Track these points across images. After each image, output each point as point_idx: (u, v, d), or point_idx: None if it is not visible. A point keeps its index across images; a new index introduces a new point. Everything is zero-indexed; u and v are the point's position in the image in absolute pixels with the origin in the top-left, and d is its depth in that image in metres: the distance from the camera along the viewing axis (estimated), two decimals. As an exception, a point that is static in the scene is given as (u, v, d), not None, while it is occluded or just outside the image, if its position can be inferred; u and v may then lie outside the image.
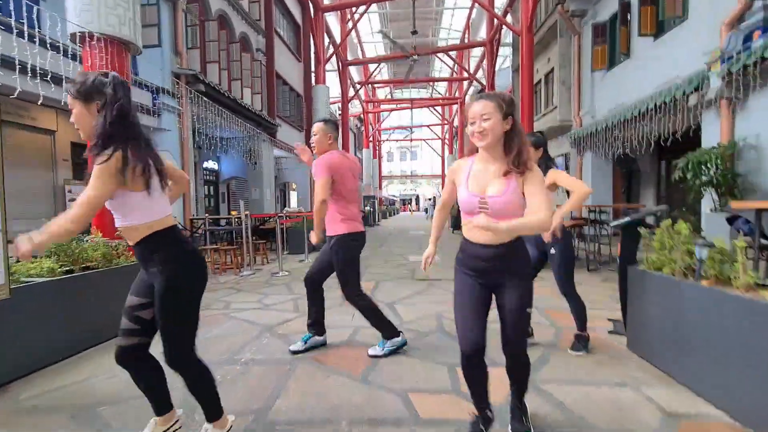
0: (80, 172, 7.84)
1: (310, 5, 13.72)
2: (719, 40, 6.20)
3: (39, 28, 4.71)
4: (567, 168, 12.41)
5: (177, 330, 1.55)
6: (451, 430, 1.76)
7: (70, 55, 4.93)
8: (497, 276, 1.56)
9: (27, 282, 2.53)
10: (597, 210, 7.44)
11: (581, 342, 2.66)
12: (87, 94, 1.43)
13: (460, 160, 1.64)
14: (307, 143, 3.10)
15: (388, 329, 2.70)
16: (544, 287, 4.00)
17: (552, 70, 12.78)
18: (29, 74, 4.17)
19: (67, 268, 2.86)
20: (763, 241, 2.59)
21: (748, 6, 5.85)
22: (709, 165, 5.75)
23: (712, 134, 6.38)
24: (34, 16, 4.09)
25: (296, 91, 17.08)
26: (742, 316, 1.86)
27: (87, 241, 3.19)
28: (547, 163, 2.55)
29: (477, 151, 1.56)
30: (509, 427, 1.70)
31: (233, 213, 10.18)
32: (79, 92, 1.43)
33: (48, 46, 4.46)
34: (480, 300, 1.56)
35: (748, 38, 5.76)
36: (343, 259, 2.64)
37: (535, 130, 11.91)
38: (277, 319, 3.52)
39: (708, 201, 6.16)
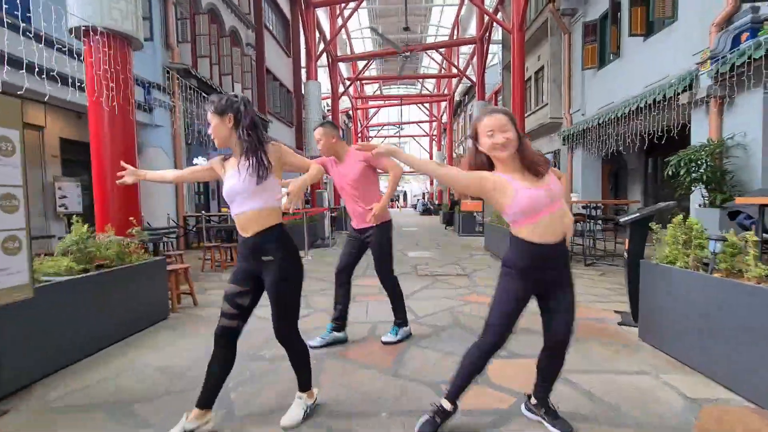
0: (71, 168, 7.64)
1: (302, 0, 13.58)
2: (708, 40, 6.41)
3: (31, 19, 4.61)
4: (557, 165, 12.65)
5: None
6: (490, 419, 1.83)
7: (67, 51, 4.81)
8: (555, 274, 1.61)
9: (48, 281, 2.49)
10: (589, 206, 7.62)
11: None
12: (222, 110, 1.71)
13: (493, 174, 1.57)
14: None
15: (403, 316, 2.92)
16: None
17: (542, 68, 12.97)
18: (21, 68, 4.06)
19: (83, 267, 2.82)
20: (765, 235, 2.73)
21: (737, 8, 6.07)
22: (699, 162, 5.98)
23: (701, 132, 6.62)
24: (30, 6, 3.99)
25: (286, 86, 16.93)
26: (755, 306, 1.97)
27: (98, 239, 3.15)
28: None
29: (486, 166, 1.61)
30: (549, 425, 1.73)
31: (224, 210, 10.05)
32: (216, 109, 1.71)
33: (42, 40, 4.33)
34: (525, 303, 1.63)
35: (736, 39, 5.98)
36: (388, 242, 2.81)
37: (525, 130, 12.09)
38: (291, 316, 3.53)
39: (697, 197, 6.40)
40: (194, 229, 8.98)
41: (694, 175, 6.06)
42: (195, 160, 12.72)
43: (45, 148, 7.30)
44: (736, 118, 6.10)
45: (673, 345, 2.48)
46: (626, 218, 2.98)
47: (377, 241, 2.76)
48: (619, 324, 3.14)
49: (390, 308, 2.96)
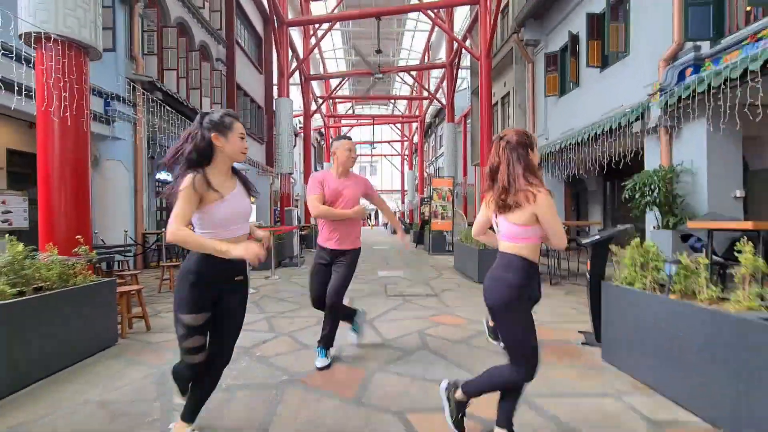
0: (19, 181, 7.11)
1: (275, 18, 13.61)
2: (658, 74, 6.91)
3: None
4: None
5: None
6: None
7: (14, 57, 4.54)
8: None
9: (-28, 307, 2.24)
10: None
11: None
12: None
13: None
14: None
15: (351, 316, 3.03)
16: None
17: (508, 93, 13.53)
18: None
19: (19, 290, 2.56)
20: (715, 257, 2.88)
21: (681, 46, 6.59)
22: (652, 186, 6.32)
23: (653, 159, 7.04)
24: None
25: (257, 102, 16.76)
26: (708, 327, 2.04)
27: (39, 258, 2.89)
28: None
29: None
30: None
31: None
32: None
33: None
34: None
35: (682, 74, 6.48)
36: (354, 267, 2.87)
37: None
38: (252, 341, 3.35)
39: (651, 219, 6.75)
40: (154, 246, 8.53)
41: (648, 198, 6.39)
42: (158, 175, 12.26)
43: (-12, 158, 6.79)
44: (684, 147, 6.54)
45: (634, 365, 2.52)
46: (587, 240, 3.06)
47: (348, 264, 2.81)
48: (583, 344, 3.18)
49: (351, 329, 3.09)
